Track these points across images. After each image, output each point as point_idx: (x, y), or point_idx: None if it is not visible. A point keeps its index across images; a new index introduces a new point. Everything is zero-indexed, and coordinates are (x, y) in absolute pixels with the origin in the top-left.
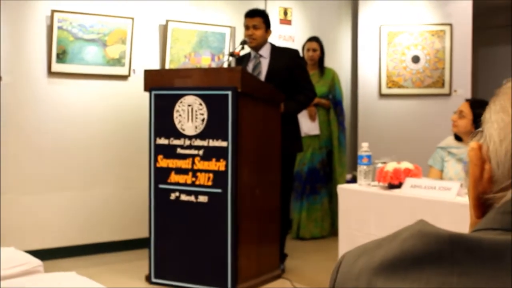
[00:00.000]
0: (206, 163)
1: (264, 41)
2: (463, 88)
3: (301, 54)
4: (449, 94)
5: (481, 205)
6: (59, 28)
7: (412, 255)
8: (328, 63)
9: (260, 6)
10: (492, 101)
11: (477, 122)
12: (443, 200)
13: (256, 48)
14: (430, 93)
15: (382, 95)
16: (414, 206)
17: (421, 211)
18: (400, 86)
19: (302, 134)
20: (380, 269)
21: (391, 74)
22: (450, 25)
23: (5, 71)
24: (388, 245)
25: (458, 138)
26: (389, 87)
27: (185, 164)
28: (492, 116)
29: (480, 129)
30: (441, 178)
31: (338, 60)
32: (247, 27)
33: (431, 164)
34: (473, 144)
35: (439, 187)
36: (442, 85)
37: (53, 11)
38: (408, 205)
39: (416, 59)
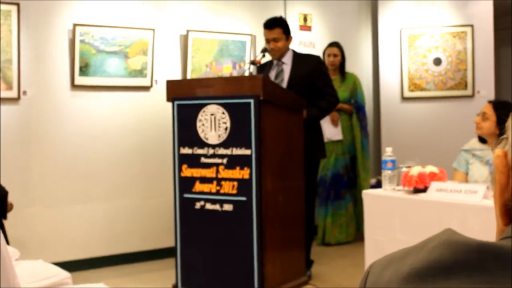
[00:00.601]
0: (230, 171)
1: (286, 49)
2: (486, 89)
3: (322, 60)
4: (472, 96)
5: (508, 212)
6: (81, 41)
7: (440, 264)
8: (349, 68)
9: (279, 13)
10: None
11: (500, 123)
12: (470, 203)
13: (278, 56)
14: (453, 95)
15: (404, 99)
16: (440, 210)
17: (447, 215)
18: (422, 89)
19: (325, 140)
20: (409, 279)
21: (413, 77)
22: (471, 26)
23: (29, 85)
24: (416, 255)
25: (482, 140)
26: (411, 90)
27: (209, 173)
28: None
29: (504, 136)
30: (466, 181)
31: (359, 65)
32: (267, 41)
33: (455, 167)
34: (498, 151)
35: (465, 190)
36: (465, 87)
37: (75, 25)
38: (434, 209)
39: (437, 62)
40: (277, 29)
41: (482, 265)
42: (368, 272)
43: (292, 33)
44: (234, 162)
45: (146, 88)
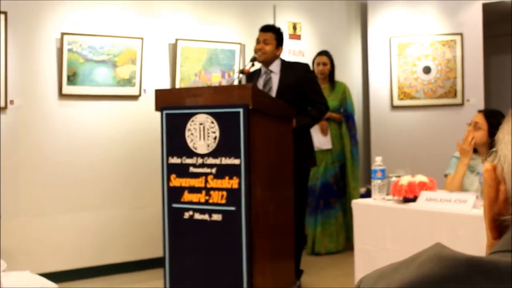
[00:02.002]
0: (219, 181)
1: (274, 57)
2: (475, 97)
3: (311, 68)
4: (461, 104)
5: (497, 226)
6: (69, 50)
7: (429, 279)
8: (338, 76)
9: (269, 21)
10: (506, 121)
11: (492, 132)
12: (459, 213)
13: (266, 63)
14: (442, 104)
15: (394, 107)
16: (430, 219)
17: (437, 224)
18: (412, 98)
19: (315, 149)
20: None
21: (403, 86)
22: (461, 34)
23: (16, 94)
24: (406, 269)
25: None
26: (401, 99)
27: (198, 182)
28: (506, 137)
29: (494, 149)
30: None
31: (348, 73)
32: (257, 41)
33: (448, 172)
34: (487, 165)
35: (455, 200)
36: (455, 95)
37: (62, 34)
38: (424, 218)
39: (427, 70)
40: (270, 33)
41: (471, 280)
42: (359, 286)
43: (283, 45)
44: (223, 171)
45: (134, 97)
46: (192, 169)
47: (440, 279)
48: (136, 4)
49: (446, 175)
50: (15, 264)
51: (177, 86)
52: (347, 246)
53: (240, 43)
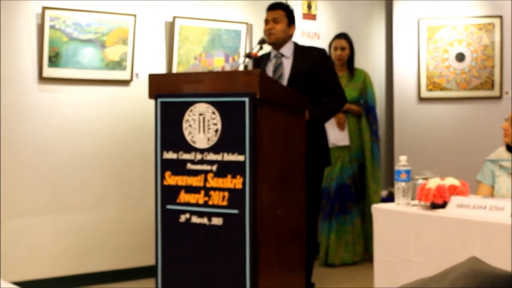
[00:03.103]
0: (220, 180)
1: (286, 38)
2: None
3: (328, 54)
4: (499, 97)
5: None
6: (51, 27)
7: None
8: (358, 63)
9: None
10: None
11: None
12: (495, 222)
13: (277, 46)
14: (477, 96)
15: (421, 99)
16: (461, 228)
17: (469, 235)
18: (442, 89)
19: (330, 145)
20: None
21: (432, 75)
22: (500, 17)
23: None
24: (436, 285)
25: (510, 149)
26: (430, 90)
27: (196, 181)
28: None
29: None
30: (492, 195)
31: (370, 60)
32: (266, 21)
33: (480, 179)
34: None
35: (490, 207)
36: (492, 87)
37: (44, 8)
38: (454, 227)
39: (460, 57)
40: (279, 10)
41: None
42: None
43: (296, 24)
44: (225, 169)
45: (125, 83)
46: (189, 166)
47: None
48: None
49: (478, 182)
50: None
51: (174, 70)
52: (365, 257)
53: (246, 23)
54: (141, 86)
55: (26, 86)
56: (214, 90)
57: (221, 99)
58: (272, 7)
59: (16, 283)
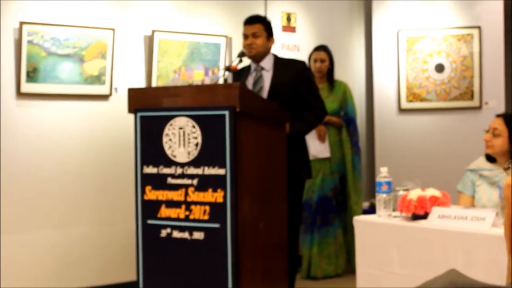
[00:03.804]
0: (201, 194)
1: (266, 51)
2: (495, 99)
3: (308, 66)
4: (479, 107)
5: None
6: (29, 42)
7: None
8: (338, 75)
9: (260, 11)
10: None
11: None
12: (477, 232)
13: (257, 59)
14: (457, 107)
15: (401, 110)
16: (443, 239)
17: (451, 245)
18: (422, 100)
19: (311, 157)
20: None
21: (412, 86)
22: (479, 28)
23: None
24: None
25: (490, 159)
26: (410, 101)
27: (177, 195)
28: None
29: None
30: (473, 205)
31: (350, 72)
32: (245, 36)
33: (460, 189)
34: (508, 179)
35: (471, 217)
36: (471, 97)
37: (21, 23)
38: (436, 238)
39: (440, 68)
40: (258, 24)
41: None
42: None
43: (274, 35)
44: (206, 183)
45: (104, 97)
46: (170, 180)
47: None
48: None
49: (459, 192)
50: None
51: (154, 84)
52: (348, 269)
53: (226, 36)
54: (120, 100)
55: (4, 101)
56: (194, 104)
57: (201, 112)
58: (250, 21)
59: None
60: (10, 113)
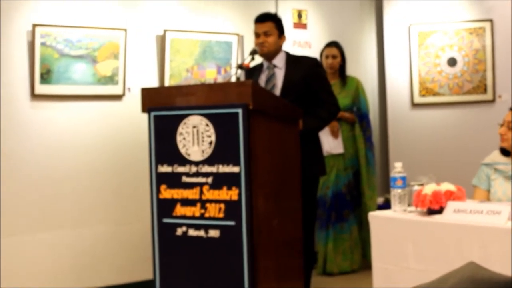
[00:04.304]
0: (216, 192)
1: (278, 49)
2: (508, 93)
3: (320, 62)
4: (492, 101)
5: None
6: (42, 44)
7: None
8: (350, 71)
9: (271, 8)
10: None
11: None
12: (492, 226)
13: (269, 57)
14: (470, 100)
15: (414, 105)
16: (459, 234)
17: (467, 240)
18: (435, 94)
19: (324, 154)
20: None
21: (425, 80)
22: (491, 21)
23: None
24: None
25: (505, 152)
26: (423, 95)
27: (192, 194)
28: None
29: None
30: (488, 199)
31: (362, 67)
32: (257, 35)
33: (475, 184)
34: None
35: (487, 211)
36: (484, 91)
37: (34, 26)
38: (452, 233)
39: (452, 62)
40: (269, 22)
41: None
42: None
43: (286, 32)
44: (220, 181)
45: (117, 97)
46: (185, 179)
47: None
48: None
49: (474, 186)
50: None
51: (166, 84)
52: (364, 264)
53: (237, 34)
54: (133, 100)
55: (19, 103)
56: (207, 102)
57: (214, 111)
58: (261, 20)
59: None
60: (25, 115)
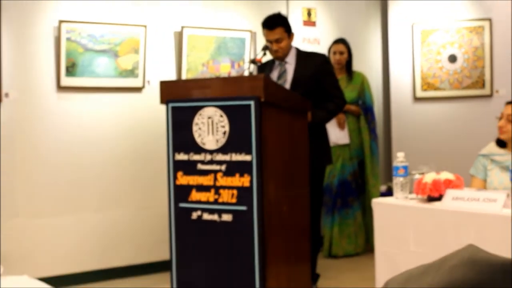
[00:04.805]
0: (229, 179)
1: (289, 48)
2: (505, 88)
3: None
4: (490, 95)
5: None
6: (68, 39)
7: (463, 285)
8: (356, 66)
9: (282, 7)
10: None
11: None
12: (488, 213)
13: (282, 57)
14: (469, 95)
15: (416, 99)
16: (457, 220)
17: (464, 225)
18: (436, 89)
19: (331, 144)
20: None
21: (426, 76)
22: (490, 20)
23: (12, 87)
24: (436, 273)
25: (501, 143)
26: (424, 90)
27: (206, 180)
28: None
29: None
30: (484, 188)
31: (367, 63)
32: (269, 41)
33: (473, 173)
34: None
35: (484, 199)
36: (483, 86)
37: (60, 22)
38: (450, 219)
39: (453, 59)
40: (278, 29)
41: (508, 286)
42: None
43: (295, 29)
44: (233, 168)
45: (138, 89)
46: (200, 166)
47: (475, 285)
48: None
49: (471, 176)
50: (11, 269)
51: (183, 77)
52: (367, 248)
53: (250, 31)
54: (153, 92)
55: (46, 94)
56: (222, 95)
57: (228, 103)
58: (270, 27)
59: (39, 279)
60: (51, 106)
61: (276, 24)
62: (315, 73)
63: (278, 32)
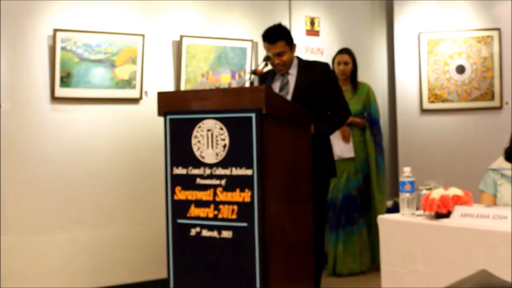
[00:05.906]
0: (229, 194)
1: (292, 59)
2: None
3: (331, 68)
4: (500, 107)
5: None
6: (63, 48)
7: None
8: (361, 77)
9: (284, 16)
10: None
11: None
12: (499, 230)
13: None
14: (478, 107)
15: (424, 111)
16: (466, 237)
17: (473, 244)
18: (444, 100)
19: (335, 158)
20: None
21: (434, 87)
22: (498, 29)
23: (5, 98)
24: None
25: (510, 158)
26: (432, 102)
27: (206, 195)
28: None
29: None
30: (494, 204)
31: (373, 74)
32: (271, 55)
33: (482, 188)
34: None
35: (493, 215)
36: (492, 98)
37: (55, 30)
38: (459, 236)
39: (461, 69)
40: (280, 42)
41: None
42: None
43: (298, 39)
44: (233, 183)
45: (135, 101)
46: (199, 181)
47: None
48: None
49: (481, 191)
50: (3, 286)
51: (182, 88)
52: (373, 266)
53: (251, 40)
54: (150, 103)
55: (39, 105)
56: (222, 107)
57: (228, 115)
58: (271, 40)
59: None
60: (45, 117)
61: (277, 37)
62: (318, 83)
63: (280, 46)
